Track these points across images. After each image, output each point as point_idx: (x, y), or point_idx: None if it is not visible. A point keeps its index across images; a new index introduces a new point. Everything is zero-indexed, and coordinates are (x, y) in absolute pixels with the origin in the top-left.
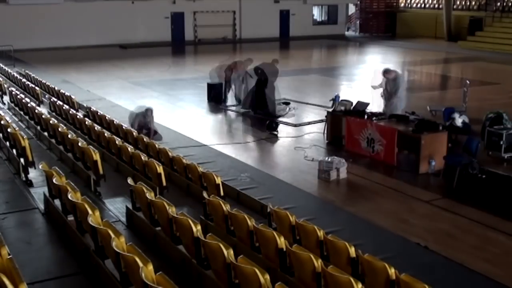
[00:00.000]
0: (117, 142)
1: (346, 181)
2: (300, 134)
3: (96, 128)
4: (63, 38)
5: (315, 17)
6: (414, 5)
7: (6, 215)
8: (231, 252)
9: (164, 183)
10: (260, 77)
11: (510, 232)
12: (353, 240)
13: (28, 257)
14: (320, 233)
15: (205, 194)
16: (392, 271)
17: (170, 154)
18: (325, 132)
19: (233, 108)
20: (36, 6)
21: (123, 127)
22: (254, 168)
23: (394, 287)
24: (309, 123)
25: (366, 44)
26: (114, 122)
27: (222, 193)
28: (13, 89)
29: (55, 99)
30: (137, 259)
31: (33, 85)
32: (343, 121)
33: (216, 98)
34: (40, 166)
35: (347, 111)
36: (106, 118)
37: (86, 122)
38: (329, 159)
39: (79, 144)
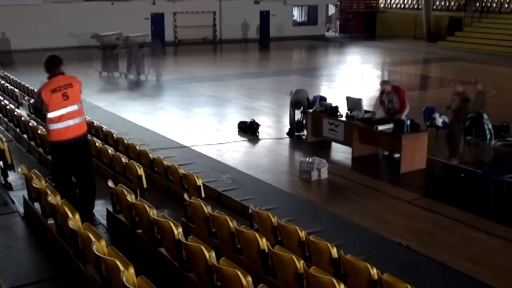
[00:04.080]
0: (97, 144)
1: (327, 181)
2: (281, 136)
3: None
4: (42, 40)
5: (295, 18)
6: (394, 5)
7: None
8: (213, 254)
9: (145, 185)
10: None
11: (491, 231)
12: (335, 241)
13: (8, 261)
14: (302, 234)
15: (186, 196)
16: (374, 271)
17: (150, 155)
18: (306, 132)
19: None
20: (13, 7)
21: (103, 129)
22: (235, 169)
23: (377, 287)
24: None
25: (346, 45)
26: (94, 124)
27: (203, 195)
28: None
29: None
30: (118, 263)
31: (12, 87)
32: (324, 122)
33: None
34: (19, 169)
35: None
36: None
37: None
38: (310, 160)
39: None
